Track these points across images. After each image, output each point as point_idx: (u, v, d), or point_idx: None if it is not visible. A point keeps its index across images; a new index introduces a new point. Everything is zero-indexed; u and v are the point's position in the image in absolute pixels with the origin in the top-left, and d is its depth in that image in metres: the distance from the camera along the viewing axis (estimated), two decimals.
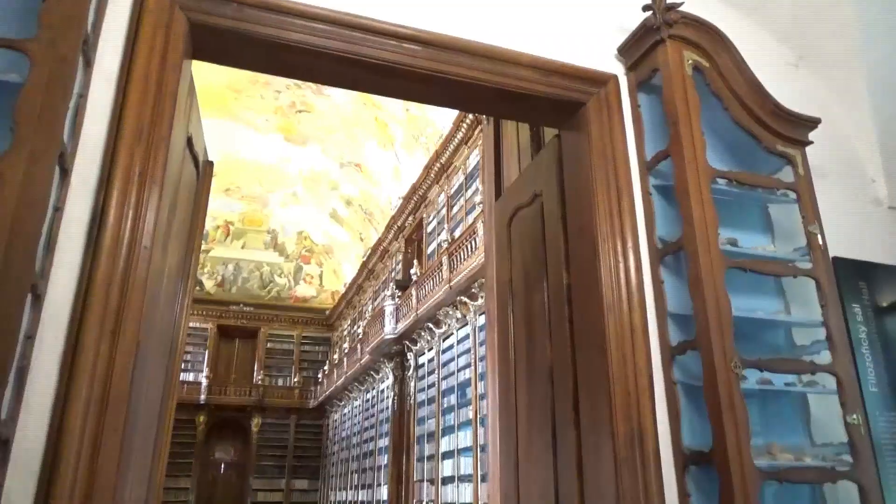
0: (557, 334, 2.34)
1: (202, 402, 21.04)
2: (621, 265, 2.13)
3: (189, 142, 2.22)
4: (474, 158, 11.27)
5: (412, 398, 12.87)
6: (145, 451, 2.00)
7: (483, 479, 9.09)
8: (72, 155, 1.68)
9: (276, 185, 20.38)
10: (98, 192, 1.70)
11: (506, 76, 2.23)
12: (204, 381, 21.34)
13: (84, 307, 1.61)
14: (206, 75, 14.11)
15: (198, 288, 22.38)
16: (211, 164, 2.67)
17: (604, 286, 2.11)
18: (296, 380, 22.51)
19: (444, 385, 11.19)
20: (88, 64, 1.76)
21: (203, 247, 22.20)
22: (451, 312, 10.89)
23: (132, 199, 1.72)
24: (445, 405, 11.01)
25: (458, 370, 10.54)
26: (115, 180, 1.71)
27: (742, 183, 2.23)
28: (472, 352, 9.90)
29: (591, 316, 2.14)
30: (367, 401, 16.86)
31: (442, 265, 10.79)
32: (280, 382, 22.83)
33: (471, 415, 9.74)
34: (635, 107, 2.34)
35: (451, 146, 11.91)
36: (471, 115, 10.84)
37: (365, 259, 18.69)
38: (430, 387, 11.92)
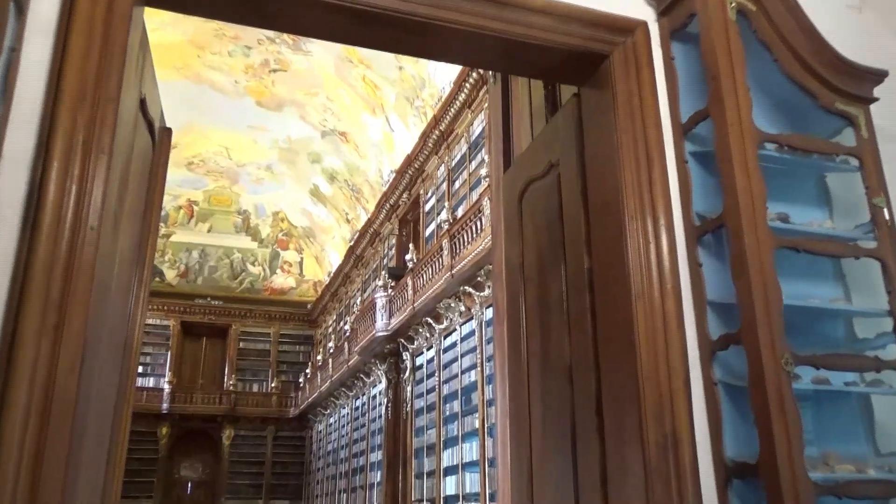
0: (577, 328, 2.34)
1: (164, 412, 21.19)
2: (652, 246, 2.12)
3: (142, 104, 2.21)
4: (479, 124, 11.23)
5: (409, 405, 12.93)
6: (97, 469, 2.00)
7: (491, 499, 9.15)
8: (2, 120, 1.67)
9: (248, 157, 20.37)
10: (35, 165, 1.69)
11: (515, 24, 2.20)
12: (166, 388, 21.48)
13: (21, 299, 1.60)
14: (163, 28, 14.03)
15: (157, 279, 22.45)
16: (169, 131, 2.66)
17: (631, 271, 2.11)
18: (273, 385, 22.65)
19: (445, 390, 11.24)
20: (21, 12, 1.74)
21: (162, 230, 22.24)
22: (453, 305, 10.91)
23: (75, 171, 1.71)
24: (447, 413, 11.06)
25: (462, 372, 10.58)
26: (54, 150, 1.70)
27: (794, 148, 2.22)
28: (479, 351, 9.94)
29: (617, 306, 2.14)
30: (357, 408, 16.94)
31: (442, 250, 10.80)
32: (255, 388, 22.96)
33: (477, 424, 9.80)
34: (668, 59, 2.32)
35: (452, 110, 11.87)
36: (475, 73, 10.79)
37: (352, 244, 18.72)
38: (429, 392, 11.98)
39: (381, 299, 13.38)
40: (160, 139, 2.55)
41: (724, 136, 2.10)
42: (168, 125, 2.68)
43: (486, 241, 9.02)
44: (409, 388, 13.01)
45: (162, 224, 22.25)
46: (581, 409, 2.27)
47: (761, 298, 1.94)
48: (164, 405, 21.25)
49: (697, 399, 2.02)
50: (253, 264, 24.04)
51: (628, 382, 2.04)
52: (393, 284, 13.45)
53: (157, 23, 13.27)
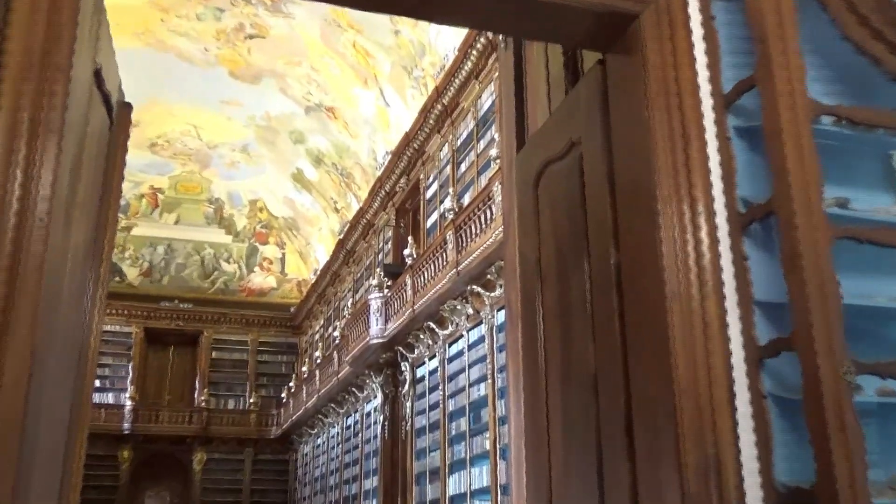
0: (603, 332, 2.34)
1: (126, 432, 21.28)
2: (689, 237, 2.11)
3: (97, 76, 2.21)
4: (488, 97, 11.23)
5: (408, 423, 12.96)
6: (48, 500, 2.00)
7: None
8: None
9: (220, 137, 20.40)
10: None
11: None
12: (128, 405, 21.57)
13: None
14: None
15: (116, 278, 22.52)
16: (128, 107, 2.66)
17: (666, 266, 2.10)
18: (252, 401, 22.72)
19: (451, 405, 11.25)
20: None
21: (122, 223, 22.32)
22: (459, 307, 10.92)
23: (20, 154, 1.71)
24: (454, 432, 11.08)
25: (471, 385, 10.60)
26: None
27: (856, 122, 2.21)
28: (489, 360, 9.95)
29: (649, 307, 2.13)
30: (349, 428, 16.98)
31: (446, 243, 10.81)
32: (230, 404, 23.04)
33: (488, 445, 9.81)
34: (708, 19, 2.32)
35: (457, 81, 11.87)
36: (483, 38, 10.77)
37: (342, 237, 18.74)
38: (432, 408, 12.00)
39: (375, 301, 13.40)
40: (119, 116, 2.55)
41: (773, 109, 2.09)
42: (128, 100, 2.68)
43: (496, 232, 9.03)
44: (408, 404, 13.03)
45: (121, 215, 22.32)
46: (608, 427, 2.27)
47: (817, 297, 1.94)
48: (126, 425, 21.32)
49: (743, 414, 2.02)
50: (227, 261, 24.10)
51: (663, 396, 2.04)
52: (389, 284, 13.46)
53: None
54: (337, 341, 16.86)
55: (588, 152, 2.51)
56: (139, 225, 23.25)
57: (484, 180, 10.60)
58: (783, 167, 2.05)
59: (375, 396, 14.41)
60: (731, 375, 2.04)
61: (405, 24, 13.33)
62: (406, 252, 12.59)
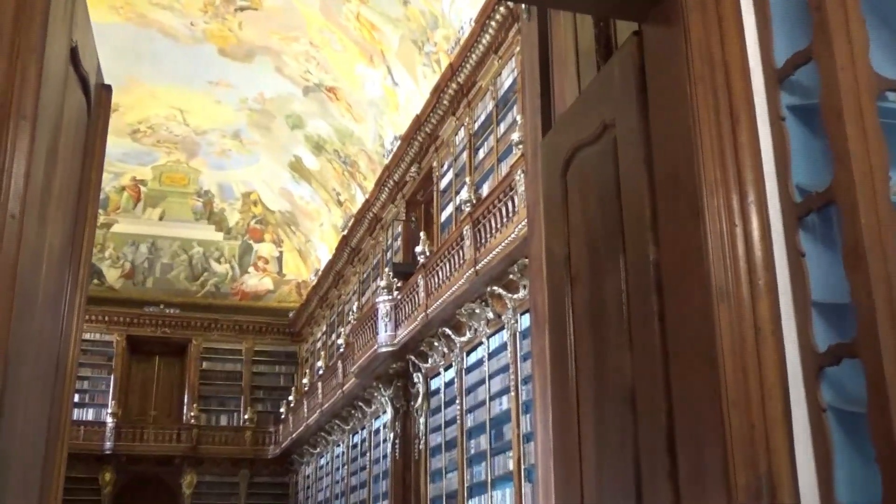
0: (641, 339, 2.34)
1: (107, 452, 21.42)
2: (738, 230, 2.11)
3: (73, 55, 2.22)
4: (509, 75, 11.22)
5: (422, 442, 12.98)
6: None
7: None
8: None
9: (209, 122, 20.48)
10: None
11: None
12: (109, 421, 21.71)
13: None
14: None
15: (95, 281, 22.67)
16: (108, 89, 2.68)
17: (712, 263, 2.10)
18: (246, 416, 22.83)
19: (469, 421, 11.26)
20: None
21: (101, 219, 22.43)
22: (478, 311, 10.93)
23: None
24: (472, 451, 11.10)
25: (491, 398, 10.60)
26: None
27: None
28: (512, 370, 9.95)
29: (693, 309, 2.13)
30: (355, 446, 17.02)
31: (463, 239, 10.81)
32: (223, 421, 23.15)
33: (511, 465, 9.82)
34: None
35: (474, 57, 11.87)
36: (502, 8, 10.76)
37: (346, 233, 18.78)
38: (448, 424, 12.01)
39: (384, 304, 13.42)
40: (97, 100, 2.57)
41: (832, 85, 2.08)
42: (107, 82, 2.70)
43: (519, 226, 9.02)
44: (422, 420, 13.04)
45: (101, 210, 22.44)
46: (648, 445, 2.27)
47: (884, 297, 1.93)
48: (107, 444, 21.47)
49: (800, 431, 2.01)
50: (218, 261, 24.21)
51: (709, 410, 2.04)
52: (399, 285, 13.47)
53: None
54: (341, 350, 16.90)
55: (623, 135, 2.51)
56: (120, 221, 23.38)
57: (505, 168, 10.59)
58: (844, 150, 2.04)
59: (385, 411, 14.43)
60: (787, 387, 2.03)
61: None
62: (418, 249, 12.60)
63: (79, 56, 2.27)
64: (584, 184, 2.76)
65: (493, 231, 10.03)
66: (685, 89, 2.24)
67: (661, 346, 2.25)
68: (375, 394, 14.78)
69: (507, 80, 11.32)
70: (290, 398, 21.45)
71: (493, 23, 11.16)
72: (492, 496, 10.38)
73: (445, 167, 13.57)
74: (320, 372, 18.91)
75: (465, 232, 10.75)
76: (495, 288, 10.27)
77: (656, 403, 2.25)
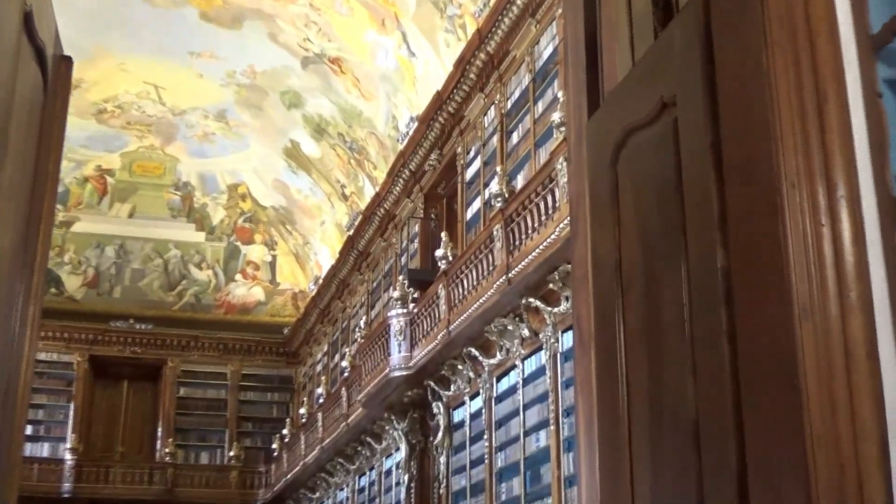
0: (707, 361, 2.33)
1: (67, 496, 21.57)
2: (825, 231, 2.09)
3: (27, 22, 2.23)
4: (548, 43, 11.22)
5: (442, 485, 12.98)
6: None
7: None
8: None
9: (189, 101, 20.61)
10: None
11: None
12: (69, 458, 21.85)
13: None
14: None
15: (53, 290, 22.86)
16: (69, 61, 2.69)
17: (793, 272, 2.09)
18: (232, 454, 22.92)
19: (500, 461, 11.25)
20: None
21: (60, 216, 22.63)
22: (510, 328, 10.92)
23: None
24: (504, 497, 11.09)
25: (526, 434, 10.59)
26: None
27: None
28: (552, 399, 9.93)
29: (770, 327, 2.12)
30: (362, 490, 17.06)
31: (493, 241, 10.81)
32: (204, 458, 23.24)
33: None
34: None
35: (507, 21, 11.88)
36: None
37: (352, 233, 18.83)
38: (474, 464, 12.01)
39: (397, 320, 13.44)
40: (55, 75, 2.58)
41: None
42: (67, 53, 2.71)
43: (561, 226, 9.01)
44: (442, 459, 13.04)
45: (60, 206, 22.64)
46: (715, 489, 2.25)
47: None
48: (66, 486, 21.59)
49: None
50: (199, 267, 24.34)
51: (789, 449, 2.02)
52: (416, 296, 13.49)
53: None
54: (346, 374, 16.94)
55: (685, 116, 2.50)
56: (82, 219, 23.56)
57: (544, 155, 10.59)
58: None
59: (398, 448, 14.45)
60: (884, 420, 2.01)
61: None
62: (438, 253, 12.61)
63: (33, 23, 2.28)
64: (637, 174, 2.75)
65: (530, 231, 10.02)
66: (760, 60, 2.23)
67: (730, 370, 2.24)
68: (387, 427, 14.81)
69: (546, 49, 11.32)
70: (285, 432, 21.53)
71: None
72: None
73: (472, 154, 13.58)
74: (321, 401, 18.96)
75: (495, 232, 10.75)
76: (531, 300, 10.26)
77: (725, 440, 2.23)
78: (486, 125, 13.05)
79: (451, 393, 12.84)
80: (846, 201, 2.13)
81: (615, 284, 2.79)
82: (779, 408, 2.09)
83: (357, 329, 17.85)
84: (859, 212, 2.14)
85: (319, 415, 18.48)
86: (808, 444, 2.02)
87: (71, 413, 22.54)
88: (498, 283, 10.54)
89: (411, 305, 13.40)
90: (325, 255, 22.42)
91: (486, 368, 11.69)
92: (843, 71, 2.22)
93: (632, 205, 2.77)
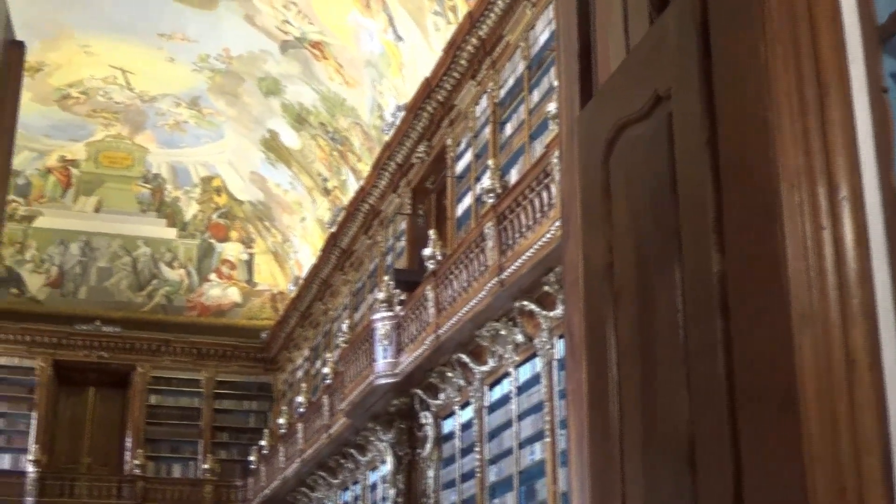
0: (702, 373, 2.33)
1: None
2: (826, 234, 2.10)
3: None
4: (545, 27, 11.22)
5: (431, 500, 12.98)
6: None
7: None
8: None
9: (159, 86, 20.56)
10: None
11: None
12: (31, 470, 21.80)
13: None
14: None
15: (13, 290, 22.80)
16: (20, 46, 2.69)
17: (792, 277, 2.10)
18: (206, 467, 22.88)
19: (492, 475, 11.25)
20: None
21: (20, 210, 22.57)
22: (503, 333, 10.92)
23: None
24: None
25: (521, 446, 10.59)
26: None
27: None
28: (548, 409, 9.94)
29: (768, 335, 2.13)
30: None
31: (485, 239, 10.81)
32: (176, 471, 23.21)
33: None
34: None
35: (500, 3, 11.86)
36: None
37: (335, 230, 18.79)
38: (465, 478, 12.01)
39: (383, 323, 13.43)
40: (6, 61, 2.58)
41: None
42: (21, 36, 2.71)
43: (557, 224, 9.01)
44: (431, 473, 13.04)
45: (21, 199, 22.60)
46: None
47: None
48: (28, 500, 21.54)
49: None
50: (171, 265, 24.30)
51: (787, 467, 2.04)
52: (403, 298, 13.48)
53: None
54: (328, 381, 16.93)
55: (680, 110, 2.51)
56: (44, 213, 23.49)
57: (539, 148, 10.59)
58: None
59: (384, 461, 14.45)
60: (889, 437, 2.03)
61: None
62: (426, 252, 12.59)
63: None
64: (631, 172, 2.75)
65: (524, 230, 10.01)
66: (759, 51, 2.24)
67: (726, 382, 2.24)
68: (372, 438, 14.80)
69: (542, 34, 11.32)
70: (263, 443, 21.49)
71: None
72: None
73: (462, 146, 13.58)
74: (301, 410, 18.94)
75: (486, 230, 10.74)
76: (526, 303, 10.25)
77: (720, 457, 2.24)
78: (478, 115, 13.05)
79: (440, 402, 12.84)
80: (848, 202, 2.14)
81: (606, 290, 2.79)
82: (776, 423, 2.10)
83: (339, 333, 17.82)
84: (862, 214, 2.15)
85: (300, 425, 18.45)
86: (808, 461, 2.03)
87: (33, 422, 22.45)
88: (490, 284, 10.53)
89: (397, 308, 13.38)
90: (305, 253, 22.40)
91: (478, 376, 11.68)
92: (846, 64, 2.23)
93: (624, 205, 2.78)
